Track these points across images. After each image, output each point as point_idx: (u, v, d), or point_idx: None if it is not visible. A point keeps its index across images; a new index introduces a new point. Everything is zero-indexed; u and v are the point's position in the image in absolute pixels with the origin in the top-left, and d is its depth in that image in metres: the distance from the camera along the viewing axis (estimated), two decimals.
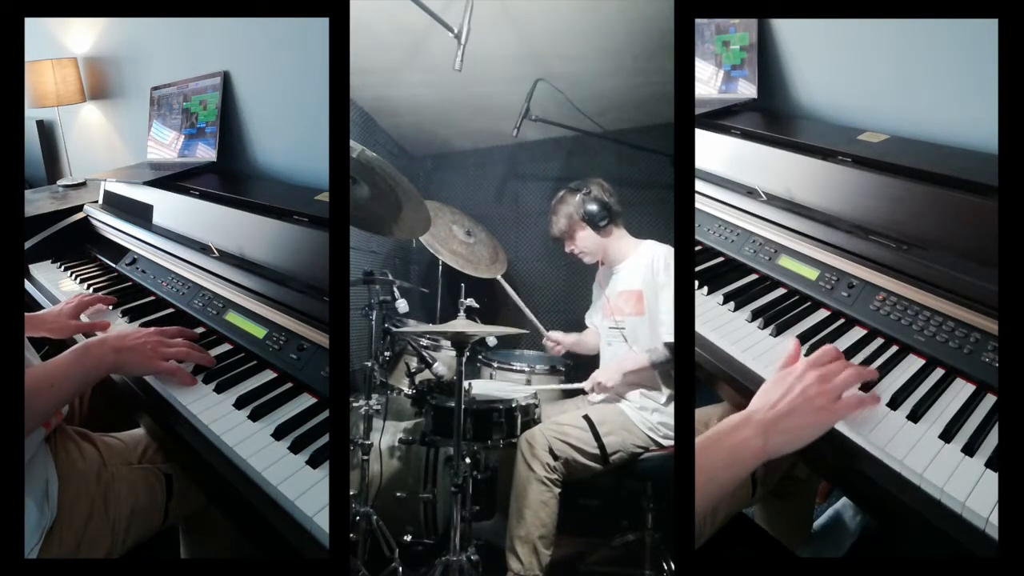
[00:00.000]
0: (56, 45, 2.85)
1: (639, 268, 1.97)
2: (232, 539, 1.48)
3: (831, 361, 0.98)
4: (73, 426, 1.29)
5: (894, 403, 1.05)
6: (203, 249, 1.65)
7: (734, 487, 0.94)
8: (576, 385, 2.05)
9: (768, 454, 0.90)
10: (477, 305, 2.10)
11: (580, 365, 2.30)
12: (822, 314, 1.32)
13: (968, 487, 0.89)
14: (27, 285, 1.85)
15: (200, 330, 1.47)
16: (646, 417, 1.84)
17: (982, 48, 1.30)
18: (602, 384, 1.90)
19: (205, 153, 2.12)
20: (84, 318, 1.54)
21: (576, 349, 2.26)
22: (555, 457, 1.71)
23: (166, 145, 2.26)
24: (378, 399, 1.75)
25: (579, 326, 2.30)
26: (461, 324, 1.78)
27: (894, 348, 1.19)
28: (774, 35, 1.88)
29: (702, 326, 1.31)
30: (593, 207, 2.00)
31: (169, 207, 1.88)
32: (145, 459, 1.29)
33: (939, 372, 1.12)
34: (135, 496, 1.23)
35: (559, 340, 2.23)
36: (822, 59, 1.80)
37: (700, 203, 1.63)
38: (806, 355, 1.19)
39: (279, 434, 1.11)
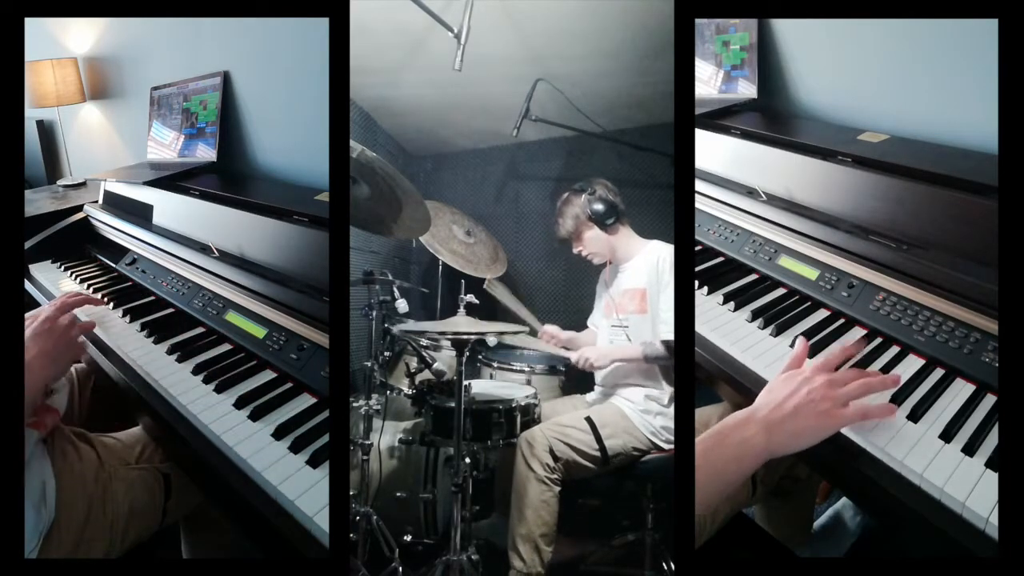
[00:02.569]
0: (56, 45, 2.85)
1: (644, 267, 1.97)
2: (234, 537, 1.48)
3: (840, 363, 0.98)
4: (71, 427, 1.29)
5: (894, 403, 1.05)
6: (203, 249, 1.65)
7: (739, 483, 0.94)
8: (565, 353, 2.09)
9: (771, 453, 0.91)
10: (477, 302, 2.10)
11: None
12: (822, 314, 1.32)
13: (968, 487, 0.89)
14: (27, 285, 1.85)
15: (200, 330, 1.48)
16: (648, 420, 1.84)
17: (982, 48, 1.30)
18: (589, 360, 1.91)
19: (205, 153, 2.12)
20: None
21: (571, 346, 2.25)
22: (555, 458, 1.71)
23: (166, 145, 2.26)
24: (378, 399, 1.75)
25: (580, 327, 2.30)
26: (461, 323, 1.78)
27: (894, 348, 1.19)
28: (774, 35, 1.88)
29: (702, 326, 1.31)
30: (599, 206, 2.00)
31: (169, 207, 1.88)
32: (143, 459, 1.29)
33: (939, 372, 1.11)
34: (133, 496, 1.23)
35: (554, 334, 2.23)
36: (822, 59, 1.80)
37: (700, 203, 1.63)
38: (809, 356, 1.20)
39: (279, 434, 1.11)
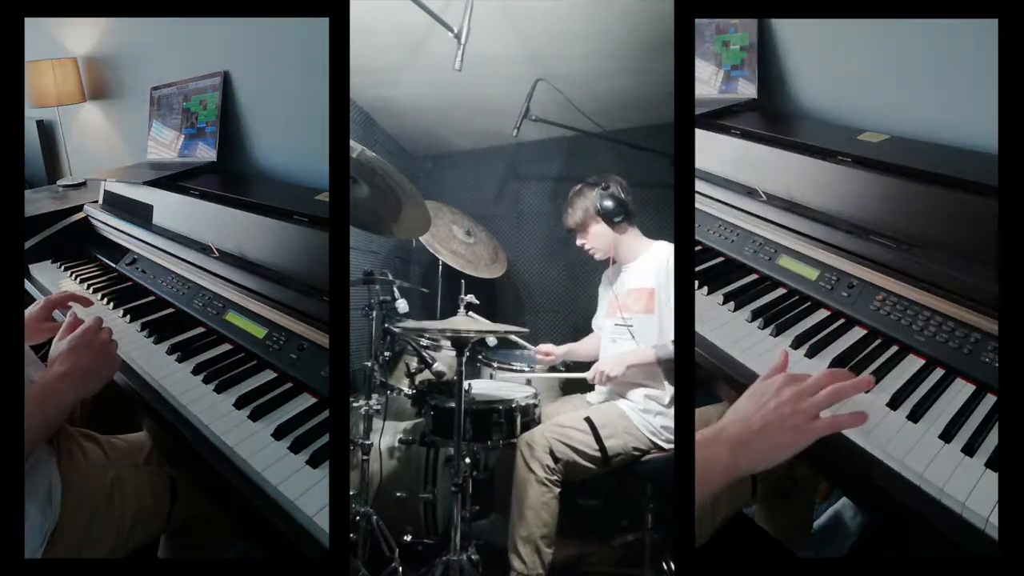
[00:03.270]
0: (56, 45, 2.85)
1: (651, 267, 1.96)
2: (213, 551, 1.48)
3: (815, 378, 0.93)
4: (76, 427, 1.29)
5: (894, 403, 1.05)
6: (203, 249, 1.65)
7: (706, 502, 0.92)
8: (579, 375, 2.04)
9: (739, 472, 0.87)
10: (477, 302, 2.10)
11: (580, 365, 2.30)
12: (822, 314, 1.32)
13: (968, 487, 0.89)
14: (27, 285, 1.85)
15: (200, 330, 1.48)
16: (648, 420, 1.84)
17: (982, 48, 1.30)
18: (605, 373, 1.88)
19: (205, 153, 2.12)
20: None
21: (570, 358, 2.25)
22: (555, 459, 1.71)
23: (166, 145, 2.26)
24: (378, 399, 1.75)
25: (580, 327, 2.30)
26: (461, 322, 1.78)
27: (894, 348, 1.19)
28: (774, 35, 1.88)
29: (702, 326, 1.31)
30: (610, 203, 1.99)
31: (169, 207, 1.88)
32: (151, 461, 1.29)
33: (939, 372, 1.12)
34: (141, 498, 1.23)
35: (549, 351, 2.23)
36: (822, 59, 1.80)
37: (700, 203, 1.63)
38: (806, 355, 1.20)
39: (279, 434, 1.11)
